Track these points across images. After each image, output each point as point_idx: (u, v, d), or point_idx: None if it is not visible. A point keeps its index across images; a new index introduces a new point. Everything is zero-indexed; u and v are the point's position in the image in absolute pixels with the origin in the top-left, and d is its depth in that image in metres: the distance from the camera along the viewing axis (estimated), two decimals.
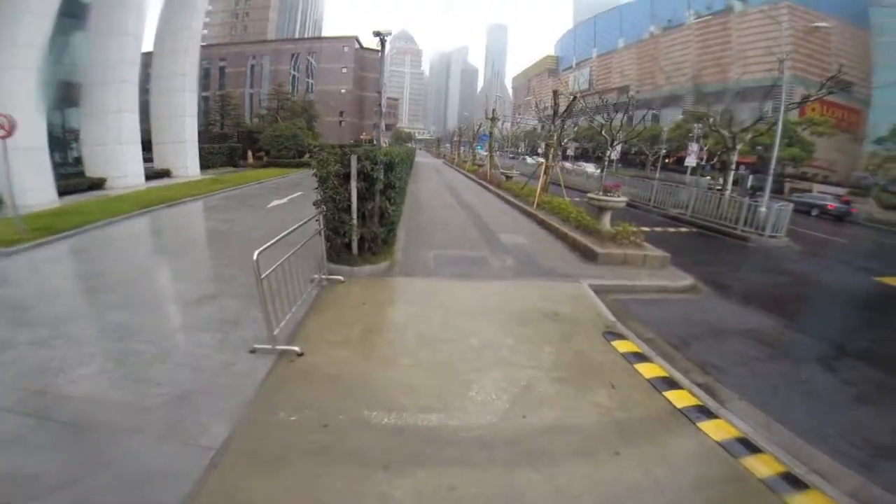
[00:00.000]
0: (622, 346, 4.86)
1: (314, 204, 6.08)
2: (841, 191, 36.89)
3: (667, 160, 52.48)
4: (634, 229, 9.37)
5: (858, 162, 53.24)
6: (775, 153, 15.38)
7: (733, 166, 16.77)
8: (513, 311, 5.71)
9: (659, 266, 8.45)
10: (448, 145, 68.68)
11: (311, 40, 70.78)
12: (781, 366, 5.01)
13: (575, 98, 12.69)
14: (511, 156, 68.62)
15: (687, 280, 7.70)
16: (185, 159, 19.88)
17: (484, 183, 20.96)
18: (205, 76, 61.40)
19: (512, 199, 15.05)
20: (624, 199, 9.69)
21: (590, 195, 9.85)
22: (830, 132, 45.99)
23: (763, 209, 13.66)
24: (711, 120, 17.77)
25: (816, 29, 29.42)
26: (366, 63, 71.56)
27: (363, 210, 6.20)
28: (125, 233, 9.32)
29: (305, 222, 5.55)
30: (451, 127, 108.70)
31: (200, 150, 24.40)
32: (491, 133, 23.21)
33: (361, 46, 70.93)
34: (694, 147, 44.68)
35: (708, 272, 8.52)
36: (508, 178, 18.86)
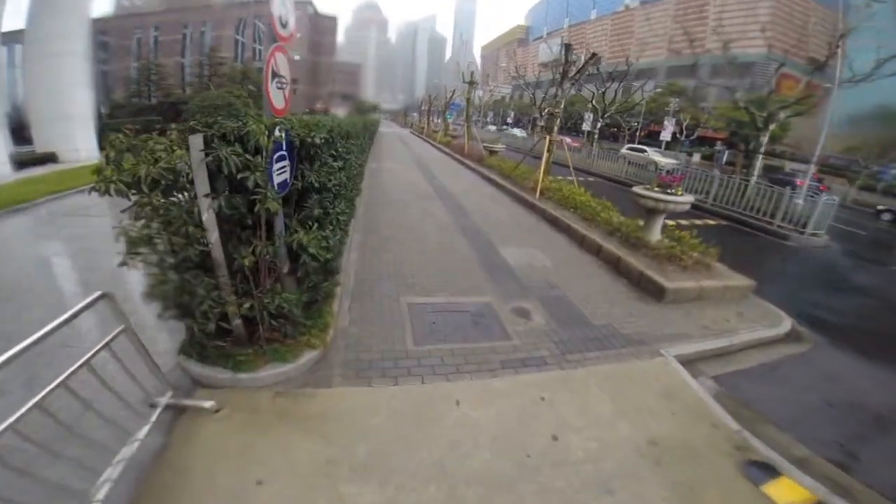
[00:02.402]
0: (784, 494, 2.66)
1: (127, 253, 2.61)
2: (809, 167, 36.39)
3: (638, 133, 50.66)
4: (695, 240, 6.49)
5: (825, 140, 53.12)
6: (823, 135, 12.98)
7: (762, 149, 14.22)
8: (580, 458, 2.78)
9: (740, 297, 5.86)
10: (415, 114, 64.14)
11: (258, 4, 63.49)
12: None
13: (594, 56, 9.44)
14: (481, 126, 64.93)
15: (786, 322, 5.29)
16: (74, 140, 15.39)
17: (460, 158, 17.53)
18: (137, 46, 54.58)
19: (502, 182, 11.79)
20: (689, 198, 6.66)
21: (637, 190, 6.76)
22: (813, 112, 45.10)
23: (800, 201, 11.67)
24: (738, 95, 15.21)
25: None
26: (321, 29, 65.67)
27: (244, 259, 2.75)
28: None
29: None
30: (418, 96, 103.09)
31: (106, 127, 19.80)
32: (468, 100, 19.54)
33: (316, 12, 65.07)
34: (668, 122, 43.08)
35: (782, 295, 6.29)
36: (492, 153, 15.49)
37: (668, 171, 7.55)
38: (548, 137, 10.02)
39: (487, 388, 3.33)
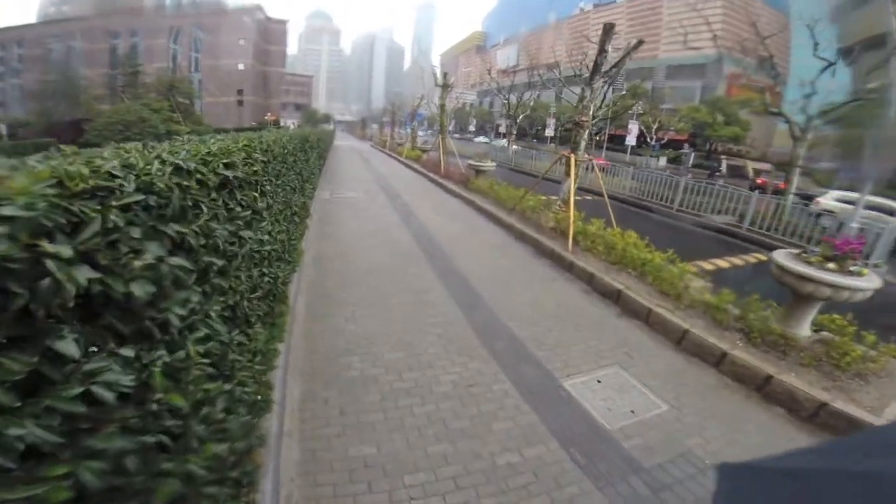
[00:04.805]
0: None
1: None
2: (767, 166, 36.96)
3: (598, 138, 49.58)
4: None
5: (775, 139, 53.97)
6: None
7: (800, 161, 11.96)
8: None
9: None
10: (375, 126, 60.61)
11: (196, 11, 58.11)
12: None
13: (640, 43, 6.54)
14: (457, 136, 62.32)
15: None
16: None
17: (437, 179, 14.26)
18: (67, 56, 48.25)
19: (507, 220, 8.44)
20: (878, 281, 3.73)
21: (786, 264, 3.87)
22: (764, 111, 45.24)
23: (854, 225, 9.53)
24: (766, 99, 13.12)
25: None
26: (271, 35, 61.44)
27: None
28: None
29: None
30: (376, 107, 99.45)
31: None
32: (442, 106, 16.21)
33: (267, 17, 60.83)
34: (633, 126, 42.04)
35: None
36: (479, 172, 12.29)
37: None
38: (572, 157, 7.00)
39: None
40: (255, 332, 2.77)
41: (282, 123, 44.72)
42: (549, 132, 48.33)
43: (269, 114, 48.29)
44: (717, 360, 4.03)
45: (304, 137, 7.65)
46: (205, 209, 1.74)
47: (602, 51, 6.42)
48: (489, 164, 12.43)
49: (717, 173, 36.21)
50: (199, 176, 1.72)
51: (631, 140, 41.69)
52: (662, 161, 43.81)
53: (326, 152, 20.14)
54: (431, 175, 15.38)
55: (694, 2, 60.32)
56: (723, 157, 44.74)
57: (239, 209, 2.31)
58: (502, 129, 59.32)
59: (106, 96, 35.47)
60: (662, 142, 45.84)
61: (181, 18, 53.04)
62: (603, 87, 7.02)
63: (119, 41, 48.04)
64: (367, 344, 4.06)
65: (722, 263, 9.10)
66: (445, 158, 15.49)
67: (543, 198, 8.90)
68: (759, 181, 24.74)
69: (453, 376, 3.71)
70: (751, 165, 40.55)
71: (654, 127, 43.95)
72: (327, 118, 71.45)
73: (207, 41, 51.21)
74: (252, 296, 2.66)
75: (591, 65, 16.83)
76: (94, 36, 48.87)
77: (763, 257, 10.21)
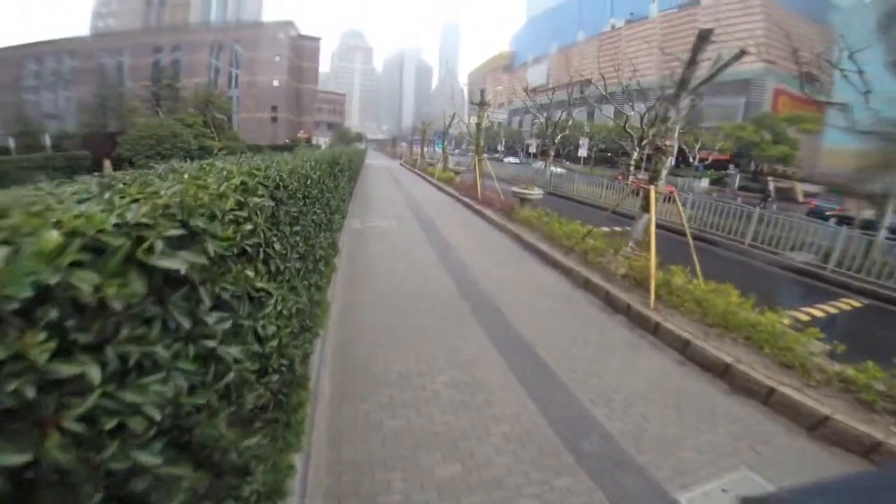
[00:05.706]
0: None
1: None
2: (816, 188, 35.12)
3: (637, 159, 47.42)
4: None
5: (820, 158, 50.60)
6: None
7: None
8: None
9: None
10: (404, 144, 60.55)
11: (235, 26, 60.09)
12: None
13: (742, 53, 5.38)
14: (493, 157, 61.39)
15: None
16: None
17: (475, 205, 13.16)
18: (118, 71, 50.55)
19: (563, 262, 7.21)
20: None
21: None
22: (817, 129, 42.59)
23: None
24: (852, 116, 11.47)
25: None
26: (304, 52, 62.79)
27: None
28: None
29: None
30: (406, 126, 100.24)
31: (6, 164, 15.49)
32: (479, 125, 15.09)
33: (299, 34, 62.32)
34: (673, 144, 40.03)
35: None
36: (524, 201, 11.14)
37: None
38: (652, 189, 5.84)
39: None
40: (255, 476, 1.76)
41: (314, 141, 45.01)
42: (583, 152, 47.00)
43: (301, 131, 48.91)
44: (867, 450, 3.14)
45: (333, 160, 6.76)
46: (96, 377, 0.73)
47: (693, 62, 5.31)
48: (536, 192, 11.21)
49: (770, 197, 33.87)
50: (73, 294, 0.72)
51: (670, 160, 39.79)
52: (705, 182, 41.55)
53: (357, 173, 19.50)
54: (467, 200, 14.36)
55: (730, 15, 58.38)
56: (769, 178, 42.16)
57: (212, 320, 1.29)
58: (532, 149, 58.21)
59: (143, 109, 36.43)
60: (706, 162, 43.52)
61: (222, 33, 54.93)
62: (690, 104, 5.84)
63: (162, 55, 50.06)
64: (410, 451, 2.99)
65: (816, 313, 7.67)
66: (482, 182, 14.48)
67: (596, 229, 7.72)
68: (808, 205, 23.36)
69: (532, 501, 2.61)
70: (799, 187, 37.93)
71: (697, 146, 41.78)
72: (360, 137, 72.11)
73: (245, 57, 52.67)
74: (247, 443, 1.64)
75: (641, 80, 15.50)
76: (139, 50, 51.02)
77: (857, 303, 8.69)
